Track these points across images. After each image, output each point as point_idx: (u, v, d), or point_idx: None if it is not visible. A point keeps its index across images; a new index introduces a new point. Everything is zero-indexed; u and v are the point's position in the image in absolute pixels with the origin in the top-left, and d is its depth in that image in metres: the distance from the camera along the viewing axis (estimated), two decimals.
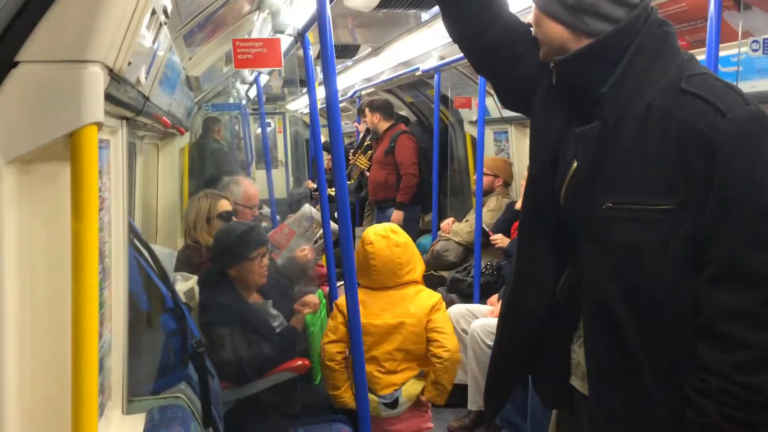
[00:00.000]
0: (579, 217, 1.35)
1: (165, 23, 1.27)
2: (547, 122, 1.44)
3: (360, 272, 2.35)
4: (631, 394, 1.29)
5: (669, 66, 1.26)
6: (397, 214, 5.03)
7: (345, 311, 2.27)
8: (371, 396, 2.31)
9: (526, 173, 3.71)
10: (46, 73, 0.88)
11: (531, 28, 1.45)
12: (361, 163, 5.76)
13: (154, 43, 1.27)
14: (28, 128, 0.89)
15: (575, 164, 1.36)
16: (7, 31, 0.87)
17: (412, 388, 2.39)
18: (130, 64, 1.05)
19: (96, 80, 0.91)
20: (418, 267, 2.44)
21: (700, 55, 2.16)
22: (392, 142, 5.13)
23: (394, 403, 2.36)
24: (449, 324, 2.43)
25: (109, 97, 1.19)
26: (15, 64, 0.88)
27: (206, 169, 4.85)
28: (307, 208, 3.39)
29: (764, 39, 1.93)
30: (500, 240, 3.75)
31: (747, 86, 2.21)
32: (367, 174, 5.65)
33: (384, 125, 5.27)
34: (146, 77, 1.34)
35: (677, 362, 1.25)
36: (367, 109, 5.35)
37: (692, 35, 2.37)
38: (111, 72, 1.01)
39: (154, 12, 1.10)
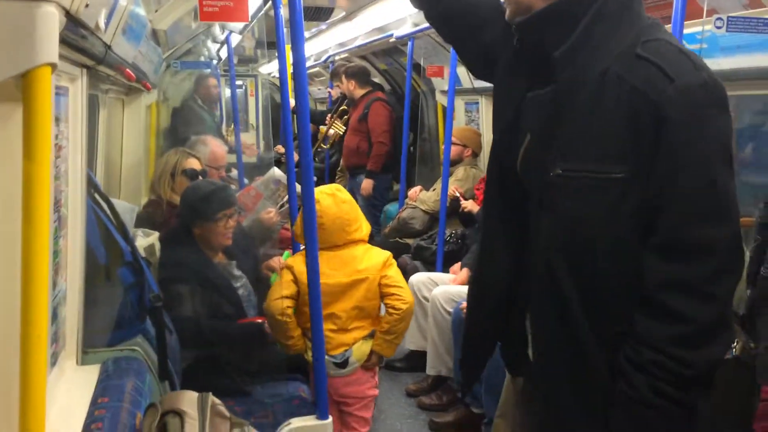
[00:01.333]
0: (531, 182, 1.34)
1: None
2: (508, 88, 1.42)
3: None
4: (573, 363, 1.29)
5: (629, 32, 1.23)
6: (366, 182, 5.05)
7: (295, 269, 2.31)
8: None
9: None
10: None
11: None
12: (336, 127, 5.72)
13: None
14: None
15: (530, 132, 1.34)
16: None
17: (363, 348, 2.41)
18: (87, 6, 1.03)
19: (50, 20, 0.90)
20: (363, 226, 2.44)
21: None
22: (366, 109, 5.12)
23: (344, 363, 2.38)
24: (402, 278, 2.46)
25: (66, 42, 1.17)
26: None
27: (185, 128, 4.77)
28: (275, 170, 3.38)
29: (728, 17, 1.95)
30: (470, 205, 3.79)
31: (712, 64, 2.24)
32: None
33: (360, 92, 5.25)
34: (106, 23, 1.31)
35: (620, 332, 1.23)
36: (342, 76, 5.31)
37: (658, 11, 2.40)
38: (68, 14, 0.99)
39: None
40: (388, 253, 2.47)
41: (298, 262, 2.32)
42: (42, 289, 0.92)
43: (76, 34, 1.14)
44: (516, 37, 1.36)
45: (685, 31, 2.02)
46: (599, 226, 1.22)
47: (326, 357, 2.30)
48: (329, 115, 6.03)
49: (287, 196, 3.16)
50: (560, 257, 1.26)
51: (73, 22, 1.05)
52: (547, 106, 1.27)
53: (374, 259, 2.41)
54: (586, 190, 1.22)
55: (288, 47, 3.05)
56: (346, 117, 5.62)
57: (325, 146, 6.15)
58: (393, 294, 2.39)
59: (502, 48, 1.46)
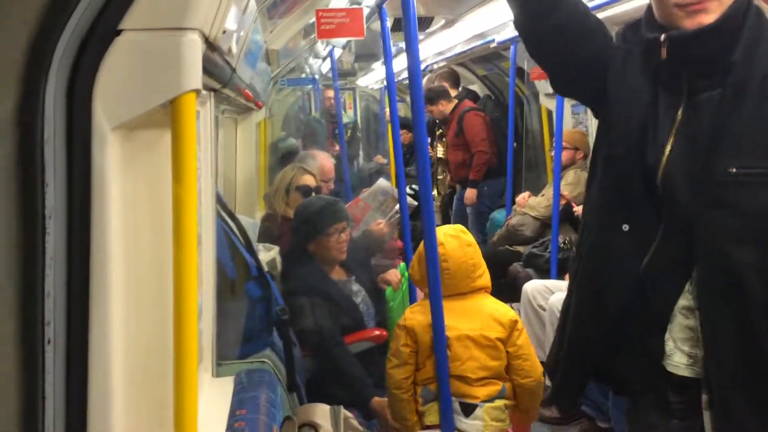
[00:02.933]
0: (693, 186, 1.35)
1: None
2: (631, 101, 1.45)
3: (425, 280, 2.07)
4: (753, 361, 1.30)
5: None
6: (470, 192, 5.00)
7: (408, 325, 2.07)
8: None
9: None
10: (148, 40, 0.91)
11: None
12: (441, 153, 5.75)
13: (243, 12, 1.29)
14: (131, 95, 0.91)
15: (672, 139, 1.38)
16: (111, 0, 0.90)
17: (495, 413, 2.08)
18: (224, 32, 1.07)
19: (195, 48, 0.93)
20: (486, 271, 2.19)
21: None
22: (460, 122, 5.09)
23: (470, 408, 2.07)
24: (532, 347, 2.17)
25: (202, 68, 1.22)
26: (118, 33, 0.90)
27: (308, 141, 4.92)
28: (382, 182, 3.41)
29: None
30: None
31: None
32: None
33: (449, 107, 5.23)
34: (236, 46, 1.36)
35: None
36: (428, 105, 5.24)
37: None
38: (207, 40, 1.03)
39: None
40: (514, 314, 2.17)
41: (415, 317, 2.10)
42: (192, 308, 0.95)
43: (211, 59, 1.18)
44: (671, 52, 1.39)
45: None
46: None
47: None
48: (429, 142, 6.06)
49: (397, 206, 3.18)
50: (740, 251, 1.30)
51: (211, 48, 1.09)
52: (716, 107, 1.32)
53: (502, 315, 2.12)
54: (764, 186, 1.29)
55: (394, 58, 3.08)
56: (445, 139, 5.61)
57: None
58: (522, 369, 2.09)
59: (603, 63, 1.49)
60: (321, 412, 1.41)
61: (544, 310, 3.22)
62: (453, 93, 5.26)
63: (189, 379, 0.96)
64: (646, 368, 1.49)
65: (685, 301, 1.42)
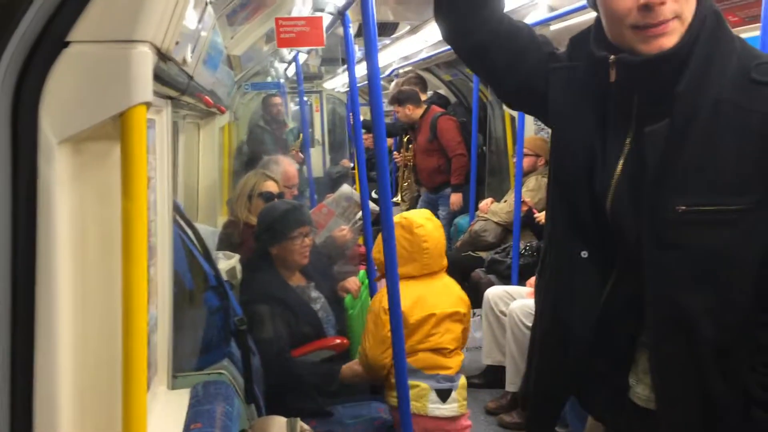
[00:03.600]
0: (641, 223, 1.26)
1: (210, 2, 1.27)
2: (577, 126, 1.35)
3: (403, 261, 2.27)
4: (702, 403, 1.25)
5: (728, 55, 1.19)
6: (455, 197, 5.01)
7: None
8: (421, 386, 2.29)
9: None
10: (97, 53, 0.89)
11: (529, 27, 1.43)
12: (408, 160, 5.75)
13: (199, 22, 1.27)
14: (79, 108, 0.90)
15: (620, 167, 1.28)
16: (59, 11, 0.88)
17: (463, 392, 2.37)
18: (177, 44, 1.05)
19: (145, 60, 0.92)
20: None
21: (754, 31, 2.08)
22: (433, 128, 5.08)
23: (446, 393, 2.31)
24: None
25: (155, 77, 1.20)
26: (66, 44, 0.88)
27: (256, 148, 4.90)
28: (345, 188, 3.41)
29: None
30: (544, 217, 3.71)
31: None
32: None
33: (418, 112, 5.23)
34: (191, 57, 1.34)
35: (746, 363, 1.21)
36: (396, 105, 5.28)
37: (744, 11, 2.28)
38: (159, 52, 1.01)
39: None
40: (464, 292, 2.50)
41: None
42: (141, 324, 0.94)
43: (165, 69, 1.16)
44: (619, 75, 1.27)
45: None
46: (730, 261, 1.20)
47: (425, 380, 2.27)
48: (394, 150, 6.07)
49: (360, 213, 3.18)
50: (691, 294, 1.22)
51: (163, 59, 1.07)
52: (662, 139, 1.22)
53: (460, 294, 2.44)
54: (714, 225, 1.19)
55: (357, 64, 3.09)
56: (411, 146, 5.60)
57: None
58: (467, 330, 2.47)
59: (537, 84, 1.40)
60: (278, 425, 1.40)
61: (505, 315, 3.25)
62: (419, 112, 5.25)
63: (138, 397, 0.94)
64: (613, 398, 1.43)
65: (646, 337, 1.35)
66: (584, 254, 1.36)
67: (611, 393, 1.43)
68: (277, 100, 5.68)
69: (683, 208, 1.19)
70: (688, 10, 1.19)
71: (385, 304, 2.19)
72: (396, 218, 2.35)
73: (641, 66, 1.22)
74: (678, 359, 1.26)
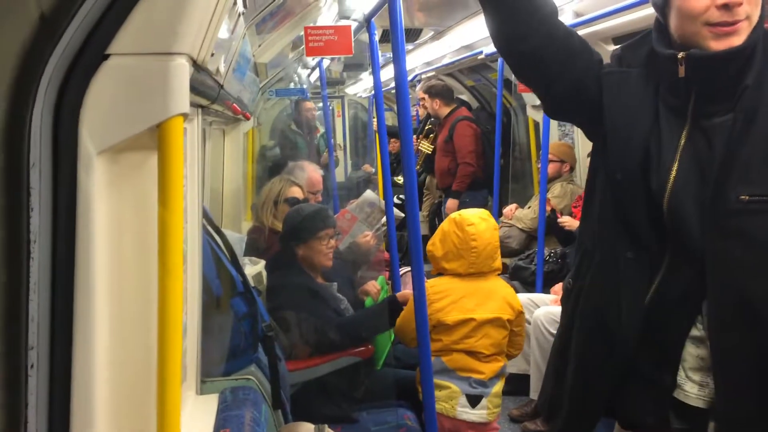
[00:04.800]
0: (702, 214, 1.30)
1: (243, 13, 1.29)
2: (630, 123, 1.40)
3: (450, 256, 2.31)
4: (765, 394, 1.26)
5: None
6: (451, 203, 5.01)
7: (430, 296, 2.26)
8: (452, 388, 2.30)
9: (587, 163, 3.61)
10: (136, 65, 0.91)
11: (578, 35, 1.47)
12: (424, 148, 5.73)
13: (232, 33, 1.29)
14: (118, 119, 0.91)
15: (676, 163, 1.34)
16: (99, 24, 0.90)
17: (495, 400, 2.37)
18: (212, 55, 1.07)
19: (183, 72, 0.93)
20: (500, 255, 2.43)
21: None
22: (451, 130, 5.09)
23: (477, 399, 2.31)
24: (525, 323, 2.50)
25: (190, 87, 1.22)
26: (106, 57, 0.90)
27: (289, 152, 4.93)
28: (369, 193, 3.41)
29: None
30: (568, 222, 3.68)
31: None
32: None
33: (445, 110, 5.23)
34: (225, 67, 1.36)
35: None
36: (426, 96, 5.31)
37: None
38: (195, 63, 1.03)
39: (235, 3, 1.12)
40: (518, 298, 2.47)
41: (431, 288, 2.31)
42: (176, 332, 0.95)
43: (199, 80, 1.18)
44: (688, 71, 1.33)
45: None
46: None
47: (458, 382, 2.28)
48: (414, 135, 6.04)
49: (384, 218, 3.19)
50: (754, 281, 1.25)
51: (198, 70, 1.09)
52: (727, 133, 1.28)
53: (513, 299, 2.40)
54: None
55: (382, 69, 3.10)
56: (432, 136, 5.61)
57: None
58: (520, 335, 2.44)
59: (593, 84, 1.45)
60: (305, 431, 1.41)
61: (529, 323, 3.23)
62: (446, 110, 5.25)
63: (172, 401, 0.96)
64: (657, 400, 1.44)
65: (695, 331, 1.38)
66: (630, 255, 1.40)
67: (655, 394, 1.43)
68: (310, 105, 5.71)
69: (746, 197, 1.24)
70: (757, 12, 1.29)
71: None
72: (451, 215, 2.41)
73: (711, 60, 1.29)
74: (740, 348, 1.28)
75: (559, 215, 3.81)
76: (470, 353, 2.30)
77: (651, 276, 1.39)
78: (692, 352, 1.38)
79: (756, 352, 1.26)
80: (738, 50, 1.27)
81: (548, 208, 3.83)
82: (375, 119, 4.52)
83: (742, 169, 1.25)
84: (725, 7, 1.26)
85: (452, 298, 2.30)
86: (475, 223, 2.31)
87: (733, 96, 1.29)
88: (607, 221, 1.47)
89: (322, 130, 6.44)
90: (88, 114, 0.90)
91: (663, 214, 1.36)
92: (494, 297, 2.35)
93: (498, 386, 2.38)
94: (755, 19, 1.29)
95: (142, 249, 1.03)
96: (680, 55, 1.32)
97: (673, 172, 1.34)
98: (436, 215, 5.81)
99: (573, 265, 1.59)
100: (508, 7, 1.43)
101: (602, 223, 1.48)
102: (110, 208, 0.98)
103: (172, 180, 0.94)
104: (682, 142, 1.35)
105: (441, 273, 2.39)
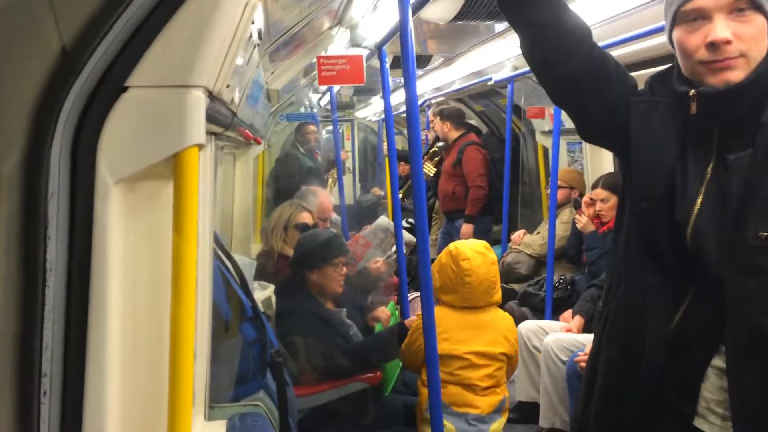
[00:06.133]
0: (722, 249, 1.30)
1: (258, 45, 1.31)
2: (657, 153, 1.41)
3: (446, 289, 2.31)
4: None
5: None
6: (466, 228, 5.00)
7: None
8: (447, 426, 2.25)
9: (595, 191, 3.57)
10: (153, 97, 0.92)
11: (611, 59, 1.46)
12: (427, 169, 5.75)
13: (247, 63, 1.31)
14: (135, 150, 0.93)
15: (701, 196, 1.33)
16: (118, 58, 0.92)
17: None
18: (228, 87, 1.09)
19: (199, 104, 0.95)
20: (500, 288, 2.41)
21: None
22: (460, 154, 5.11)
23: None
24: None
25: (206, 117, 1.24)
26: (124, 89, 0.92)
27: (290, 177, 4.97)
28: (383, 219, 3.43)
29: None
30: (584, 222, 3.61)
31: None
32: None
33: (454, 134, 5.25)
34: (240, 97, 1.38)
35: None
36: (437, 118, 5.34)
37: None
38: (211, 95, 1.04)
39: (251, 36, 1.14)
40: (515, 330, 2.45)
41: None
42: (188, 361, 0.96)
43: (215, 108, 1.20)
44: (700, 108, 1.34)
45: None
46: None
47: (454, 419, 2.25)
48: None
49: (395, 246, 3.19)
50: None
51: (214, 100, 1.11)
52: (745, 169, 1.28)
53: (509, 328, 2.39)
54: None
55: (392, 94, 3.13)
56: (437, 159, 5.63)
57: None
58: (510, 372, 2.46)
59: (623, 111, 1.44)
60: None
61: (539, 351, 3.21)
62: (455, 135, 5.28)
63: (183, 426, 0.96)
64: (679, 429, 1.43)
65: (719, 361, 1.36)
66: (655, 283, 1.40)
67: (677, 423, 1.42)
68: (312, 128, 5.77)
69: (765, 234, 1.23)
70: (756, 50, 1.28)
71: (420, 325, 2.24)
72: (448, 246, 2.40)
73: (720, 97, 1.30)
74: (757, 384, 1.27)
75: (579, 214, 3.72)
76: (465, 386, 2.28)
77: (676, 305, 1.39)
78: (715, 383, 1.36)
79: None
80: (741, 87, 1.28)
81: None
82: (385, 143, 4.56)
83: (761, 206, 1.25)
84: (712, 46, 1.28)
85: (444, 327, 2.27)
86: (470, 257, 2.28)
87: (751, 132, 1.28)
88: (632, 249, 1.46)
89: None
90: (106, 145, 0.92)
91: (687, 245, 1.36)
92: (490, 329, 2.33)
93: (498, 423, 2.33)
94: (755, 55, 1.28)
95: (156, 276, 1.04)
96: (691, 92, 1.33)
97: (697, 205, 1.33)
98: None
99: (603, 288, 1.60)
100: (543, 31, 1.44)
101: (628, 251, 1.47)
102: (126, 236, 0.99)
103: (187, 209, 0.95)
104: (708, 175, 1.34)
105: (439, 301, 2.39)
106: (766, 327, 1.24)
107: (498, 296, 2.37)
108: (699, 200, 1.33)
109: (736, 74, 1.28)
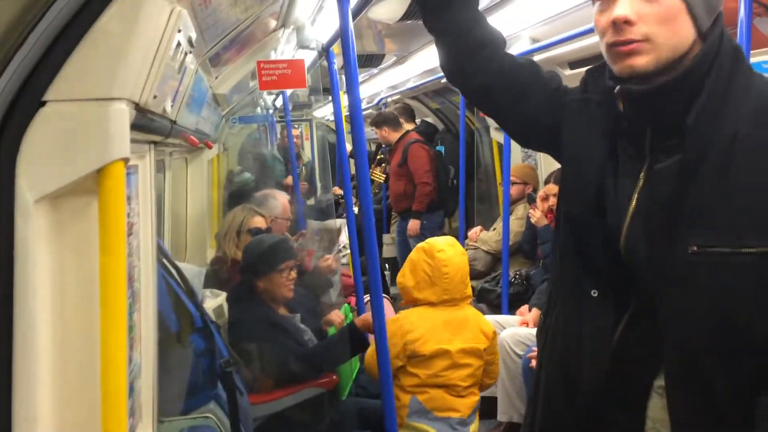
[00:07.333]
0: (653, 260, 1.20)
1: (190, 52, 1.28)
2: (586, 155, 1.31)
3: (422, 286, 2.29)
4: None
5: (746, 90, 1.14)
6: (413, 223, 5.04)
7: (403, 327, 2.27)
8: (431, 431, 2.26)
9: (548, 186, 3.61)
10: (73, 111, 0.90)
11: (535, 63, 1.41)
12: (376, 177, 5.79)
13: (179, 72, 1.28)
14: (56, 166, 0.90)
15: (633, 203, 1.23)
16: (34, 72, 0.89)
17: None
18: (155, 97, 1.07)
19: (122, 117, 0.92)
20: (470, 281, 2.41)
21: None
22: (404, 153, 5.15)
23: None
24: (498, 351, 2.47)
25: (136, 127, 1.21)
26: (42, 104, 0.89)
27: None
28: (313, 223, 3.48)
29: None
30: (537, 215, 3.62)
31: None
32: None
33: (395, 136, 5.31)
34: (172, 105, 1.35)
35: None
36: (374, 128, 5.39)
37: None
38: (137, 106, 1.02)
39: (178, 44, 1.12)
40: (490, 325, 2.43)
41: (405, 318, 2.31)
42: (121, 377, 0.94)
43: (145, 119, 1.17)
44: (626, 107, 1.24)
45: (752, 60, 1.95)
46: (743, 303, 1.12)
47: (437, 425, 2.25)
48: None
49: (342, 238, 3.20)
50: (700, 334, 1.15)
51: (142, 112, 1.08)
52: (674, 177, 1.16)
53: (486, 327, 2.38)
54: (726, 267, 1.11)
55: (342, 94, 3.13)
56: (384, 165, 5.67)
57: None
58: (494, 363, 2.43)
59: (543, 119, 1.39)
60: None
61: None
62: (410, 126, 5.32)
63: None
64: None
65: (662, 380, 1.27)
66: (594, 293, 1.29)
67: None
68: (296, 132, 5.76)
69: (695, 248, 1.12)
70: (663, 34, 1.14)
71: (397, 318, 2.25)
72: (419, 244, 2.40)
73: (643, 95, 1.18)
74: (694, 405, 1.19)
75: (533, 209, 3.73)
76: (447, 387, 2.26)
77: (617, 317, 1.28)
78: (658, 404, 1.28)
79: (707, 406, 1.17)
80: (668, 85, 1.15)
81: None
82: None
83: (690, 218, 1.14)
84: (614, 25, 1.14)
85: (427, 327, 2.26)
86: (445, 249, 2.29)
87: (681, 135, 1.15)
88: (567, 257, 1.37)
89: (305, 158, 6.46)
90: (25, 162, 0.89)
91: (621, 254, 1.26)
92: (468, 326, 2.32)
93: (475, 424, 2.34)
94: (662, 40, 1.14)
95: (85, 295, 1.01)
96: (616, 89, 1.23)
97: (629, 214, 1.23)
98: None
99: (545, 299, 1.50)
100: (455, 39, 1.41)
101: (563, 259, 1.39)
102: (51, 255, 0.96)
103: (113, 226, 0.93)
104: (640, 181, 1.23)
105: (413, 304, 2.36)
106: (697, 346, 1.16)
107: (470, 289, 2.37)
108: (631, 208, 1.23)
109: (641, 60, 1.14)
